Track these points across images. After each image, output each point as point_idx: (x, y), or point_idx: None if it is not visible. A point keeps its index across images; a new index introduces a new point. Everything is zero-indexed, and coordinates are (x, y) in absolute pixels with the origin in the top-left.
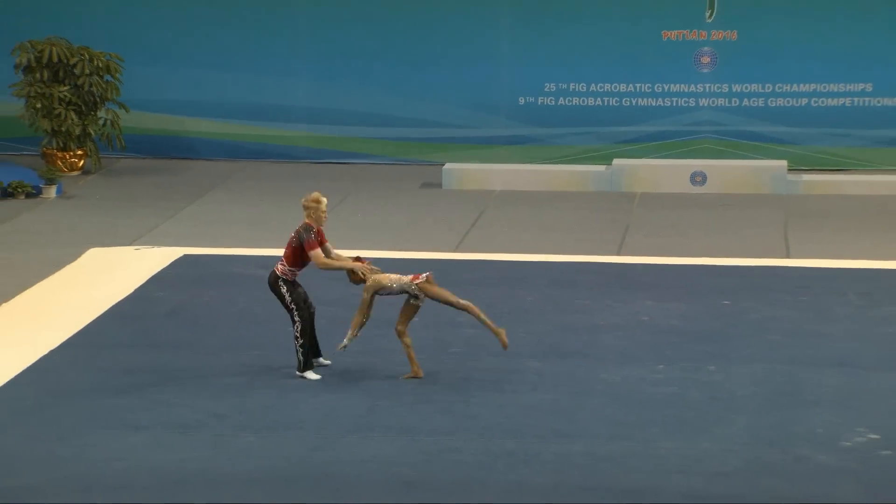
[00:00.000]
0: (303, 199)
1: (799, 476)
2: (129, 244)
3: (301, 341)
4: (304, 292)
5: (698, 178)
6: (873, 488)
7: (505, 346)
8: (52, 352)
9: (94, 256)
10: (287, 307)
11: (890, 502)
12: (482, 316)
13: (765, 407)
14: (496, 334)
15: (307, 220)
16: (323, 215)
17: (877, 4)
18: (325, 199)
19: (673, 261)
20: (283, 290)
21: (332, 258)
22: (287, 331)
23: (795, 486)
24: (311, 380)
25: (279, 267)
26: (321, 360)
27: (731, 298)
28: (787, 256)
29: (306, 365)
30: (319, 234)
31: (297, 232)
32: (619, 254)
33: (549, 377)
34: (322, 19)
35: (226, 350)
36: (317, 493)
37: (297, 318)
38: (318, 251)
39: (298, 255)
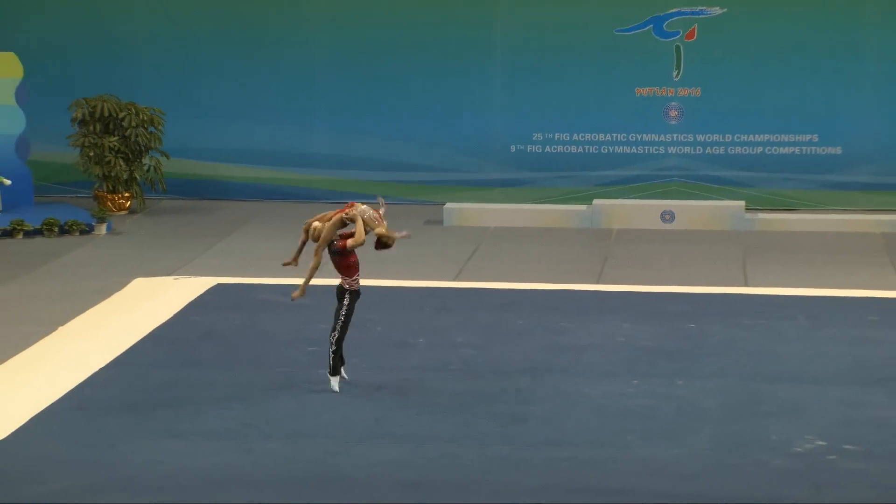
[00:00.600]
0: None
1: (756, 478)
2: (170, 274)
3: (335, 348)
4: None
5: (667, 216)
6: (821, 488)
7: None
8: (101, 369)
9: (139, 285)
10: (338, 314)
11: (835, 501)
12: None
13: (726, 417)
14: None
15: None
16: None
17: (821, 67)
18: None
19: (645, 289)
20: (347, 300)
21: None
22: (308, 350)
23: (753, 486)
24: (332, 387)
25: (344, 281)
26: (343, 373)
27: (697, 322)
28: (746, 285)
29: (335, 370)
30: (342, 238)
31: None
32: (598, 282)
33: (537, 391)
34: (338, 78)
35: (253, 367)
36: (333, 494)
37: (338, 327)
38: (350, 241)
39: (345, 265)
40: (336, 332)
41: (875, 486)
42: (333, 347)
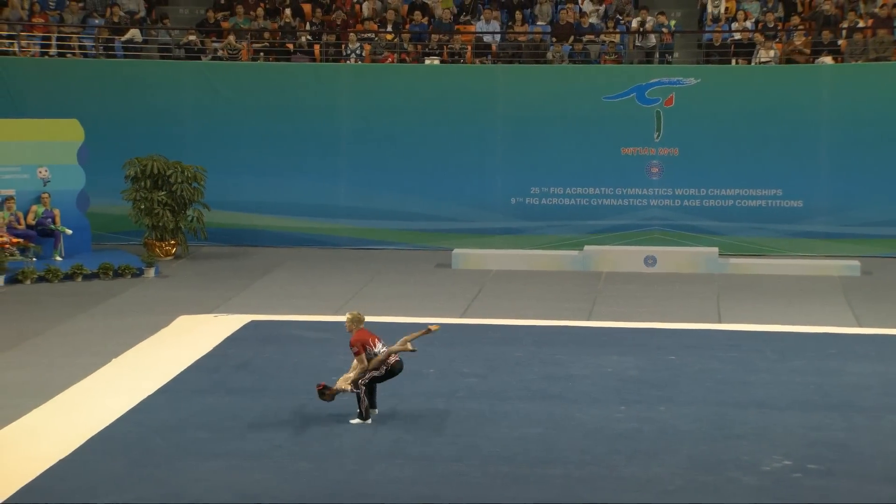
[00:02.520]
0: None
1: (729, 494)
2: (210, 312)
3: (362, 393)
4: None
5: (650, 260)
6: (787, 503)
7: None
8: (150, 396)
9: (183, 322)
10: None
11: None
12: (409, 340)
13: (703, 439)
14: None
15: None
16: (352, 325)
17: (783, 131)
18: (350, 315)
19: (631, 325)
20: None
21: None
22: (332, 379)
23: (726, 500)
24: (352, 422)
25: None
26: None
27: (676, 354)
28: (719, 322)
29: (366, 415)
30: (358, 340)
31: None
32: (589, 319)
33: (534, 415)
34: (359, 140)
35: (284, 395)
36: None
37: (367, 378)
38: (362, 357)
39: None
40: (364, 383)
41: (835, 501)
42: (362, 394)
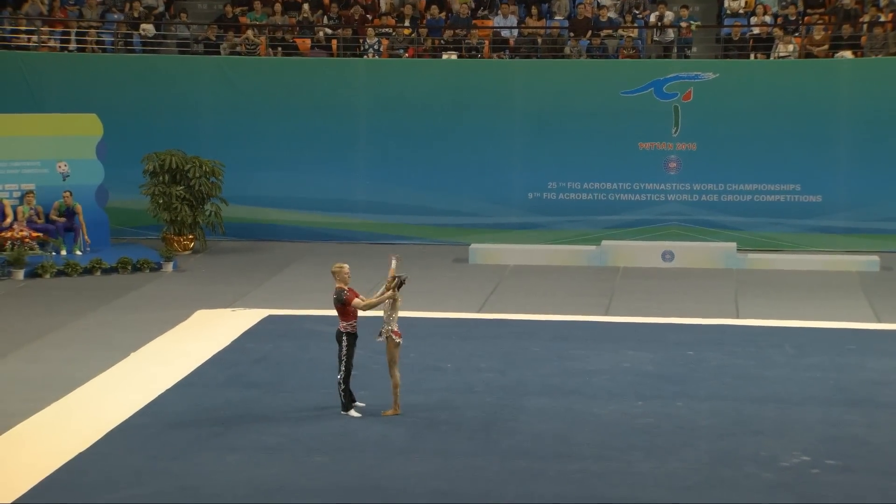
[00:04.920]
0: (332, 267)
1: (747, 489)
2: (228, 307)
3: (343, 387)
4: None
5: (667, 256)
6: (806, 499)
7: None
8: (168, 390)
9: (201, 316)
10: (340, 357)
11: None
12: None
13: (720, 435)
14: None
15: (338, 285)
16: (347, 277)
17: (802, 125)
18: (346, 266)
19: (648, 320)
20: (345, 342)
21: (368, 299)
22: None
23: (744, 497)
24: (354, 416)
25: (342, 325)
26: (357, 404)
27: (694, 349)
28: (737, 317)
29: (347, 406)
30: (350, 291)
31: (334, 299)
32: (606, 314)
33: (551, 410)
34: (378, 135)
35: (301, 389)
36: (372, 502)
37: (342, 369)
38: (357, 300)
39: (344, 312)
40: (341, 374)
41: (854, 497)
42: (342, 387)
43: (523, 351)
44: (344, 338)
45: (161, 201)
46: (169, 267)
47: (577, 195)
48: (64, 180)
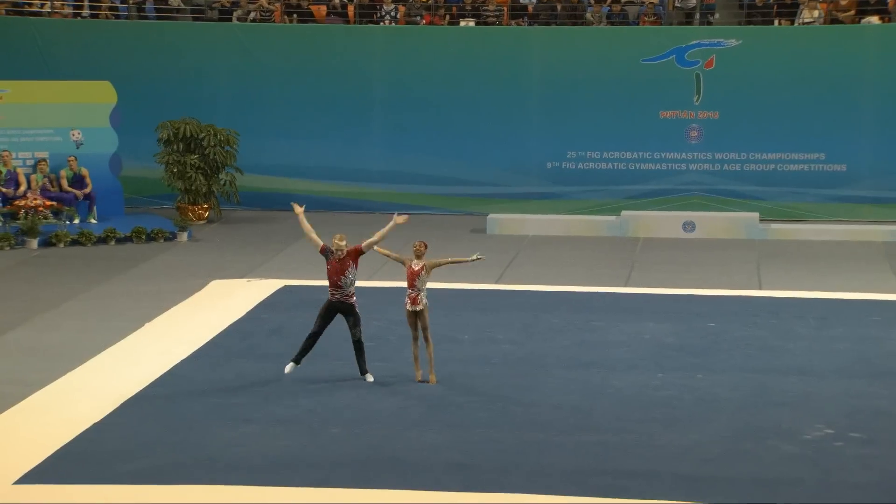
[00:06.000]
0: (336, 237)
1: (769, 462)
2: (243, 277)
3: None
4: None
5: (688, 226)
6: (828, 472)
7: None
8: (182, 361)
9: (216, 287)
10: (353, 321)
11: (841, 483)
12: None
13: (742, 407)
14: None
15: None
16: (340, 252)
17: (826, 93)
18: (344, 242)
19: (669, 291)
20: (357, 308)
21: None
22: (365, 345)
23: (766, 469)
24: (369, 381)
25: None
26: (368, 376)
27: (715, 321)
28: (759, 288)
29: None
30: (335, 256)
31: (324, 254)
32: (626, 285)
33: (570, 382)
34: (394, 103)
35: (316, 360)
36: (388, 474)
37: (360, 328)
38: (362, 243)
39: (330, 276)
40: (359, 329)
41: (877, 470)
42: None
43: (541, 322)
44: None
45: (175, 170)
46: (183, 236)
47: (596, 164)
48: (77, 148)
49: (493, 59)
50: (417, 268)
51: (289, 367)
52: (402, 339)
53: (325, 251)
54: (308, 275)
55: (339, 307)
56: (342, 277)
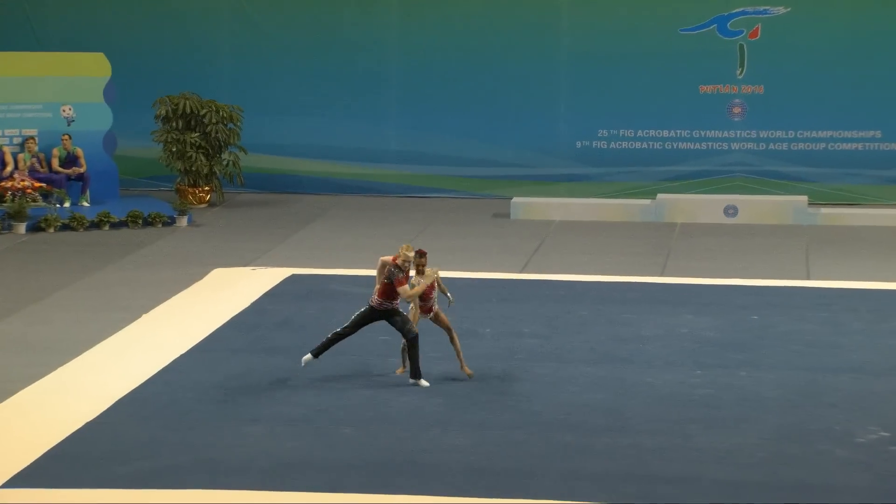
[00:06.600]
0: (403, 247)
1: (818, 467)
2: (247, 265)
3: (329, 337)
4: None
5: (730, 210)
6: (884, 478)
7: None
8: (183, 355)
9: (218, 275)
10: (400, 324)
11: None
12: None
13: (788, 407)
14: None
15: (396, 261)
16: (408, 264)
17: (885, 64)
18: (413, 253)
19: (708, 281)
20: (362, 310)
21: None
22: (379, 339)
23: (815, 475)
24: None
25: (374, 299)
26: (422, 382)
27: (759, 314)
28: (808, 278)
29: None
30: (406, 274)
31: (388, 270)
32: (662, 275)
33: (600, 380)
34: (410, 77)
35: (326, 355)
36: (402, 478)
37: (410, 329)
38: (405, 287)
39: (388, 291)
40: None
41: None
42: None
43: (570, 315)
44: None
45: (174, 149)
46: (183, 221)
47: (630, 144)
48: (69, 125)
49: (518, 29)
50: (430, 283)
51: (306, 359)
52: (418, 332)
53: (392, 272)
54: (317, 263)
55: (382, 314)
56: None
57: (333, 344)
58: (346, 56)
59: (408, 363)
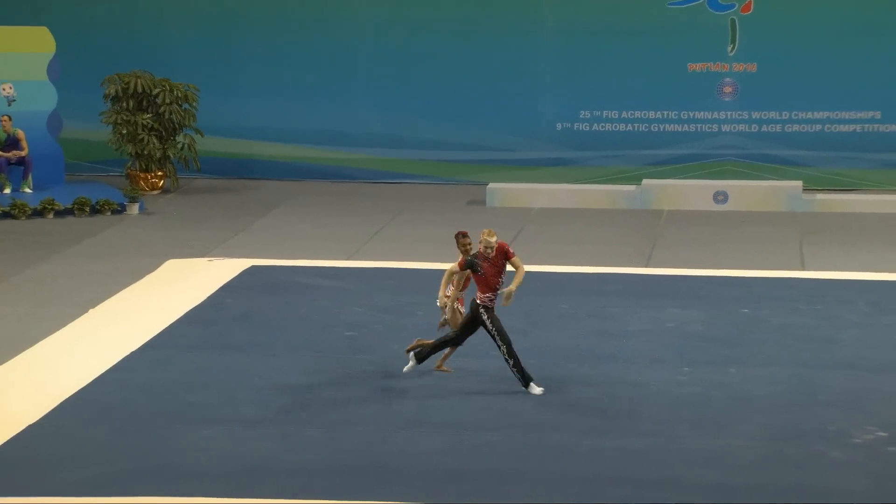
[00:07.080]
0: (485, 232)
1: (812, 469)
2: (203, 256)
3: (511, 361)
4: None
5: (720, 196)
6: (881, 481)
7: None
8: (134, 352)
9: (172, 267)
10: (489, 333)
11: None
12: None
13: (780, 406)
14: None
15: (466, 257)
16: (490, 250)
17: (884, 41)
18: (494, 238)
19: (697, 272)
20: (485, 317)
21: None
22: (345, 335)
23: (809, 478)
24: (535, 393)
25: (479, 296)
26: (534, 386)
27: (750, 307)
28: (802, 269)
29: (526, 379)
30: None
31: (469, 262)
32: (647, 266)
33: (583, 378)
34: (380, 53)
35: (289, 352)
36: (372, 483)
37: (500, 343)
38: (516, 258)
39: (483, 281)
40: (503, 346)
41: None
42: (511, 361)
43: (549, 308)
44: (482, 312)
45: (125, 132)
46: (134, 209)
47: (614, 126)
48: (9, 105)
49: (496, 5)
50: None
51: (408, 367)
52: (388, 328)
53: (469, 264)
54: (279, 253)
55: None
56: (501, 279)
57: (437, 350)
58: (313, 31)
59: (447, 360)
